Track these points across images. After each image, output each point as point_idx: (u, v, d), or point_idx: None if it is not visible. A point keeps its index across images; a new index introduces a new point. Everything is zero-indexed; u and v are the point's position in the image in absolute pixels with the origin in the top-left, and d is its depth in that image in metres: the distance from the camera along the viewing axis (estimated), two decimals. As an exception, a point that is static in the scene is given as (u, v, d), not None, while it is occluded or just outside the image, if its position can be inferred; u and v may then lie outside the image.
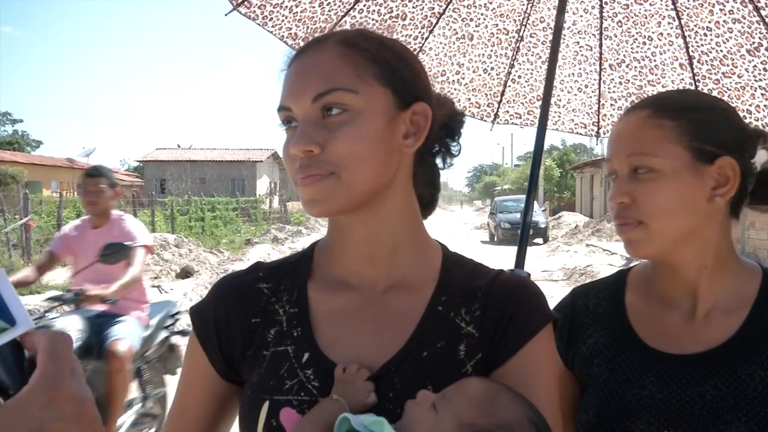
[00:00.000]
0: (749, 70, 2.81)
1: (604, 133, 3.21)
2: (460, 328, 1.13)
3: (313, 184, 1.07)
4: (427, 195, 1.28)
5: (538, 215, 29.41)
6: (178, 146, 65.27)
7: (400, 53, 1.16)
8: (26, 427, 0.72)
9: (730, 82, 2.86)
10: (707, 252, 1.38)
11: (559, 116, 3.21)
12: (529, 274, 2.43)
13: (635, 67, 3.04)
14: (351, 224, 1.16)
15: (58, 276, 14.84)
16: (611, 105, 3.16)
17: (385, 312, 1.15)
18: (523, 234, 2.64)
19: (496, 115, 3.20)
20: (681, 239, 1.35)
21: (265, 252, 20.19)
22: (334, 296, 1.18)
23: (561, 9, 2.60)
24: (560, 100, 3.17)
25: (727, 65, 2.85)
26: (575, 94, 3.17)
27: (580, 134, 3.28)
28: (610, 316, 1.49)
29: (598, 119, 3.20)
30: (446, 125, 1.25)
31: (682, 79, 2.96)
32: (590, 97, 3.16)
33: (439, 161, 1.29)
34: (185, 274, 16.22)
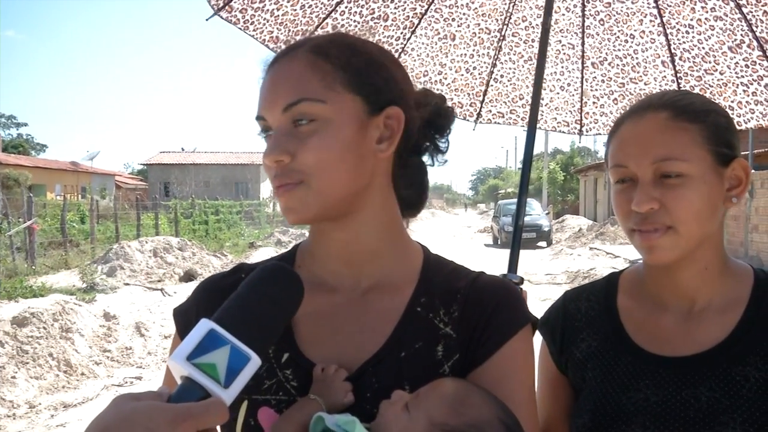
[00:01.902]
0: (731, 67, 2.82)
1: (587, 131, 3.22)
2: (438, 329, 1.14)
3: (286, 193, 1.09)
4: (413, 195, 1.27)
5: (542, 218, 29.44)
6: (182, 149, 65.58)
7: (373, 58, 1.16)
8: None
9: (712, 79, 2.87)
10: (712, 253, 1.39)
11: (542, 115, 3.19)
12: (522, 279, 2.43)
13: (617, 65, 3.05)
14: (330, 228, 1.18)
15: (62, 279, 14.89)
16: (593, 103, 3.16)
17: (365, 313, 1.16)
18: (515, 237, 2.64)
19: (479, 115, 3.20)
20: (701, 242, 1.35)
21: (269, 255, 20.10)
22: (315, 298, 1.18)
23: (548, 10, 2.62)
24: (542, 99, 3.14)
25: (709, 62, 2.86)
26: (558, 93, 3.18)
27: (563, 132, 3.29)
28: (603, 319, 1.49)
29: (581, 117, 3.20)
30: (432, 122, 1.24)
31: (664, 77, 2.98)
32: (572, 95, 3.16)
33: (427, 158, 1.28)
34: (189, 277, 16.24)
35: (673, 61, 2.93)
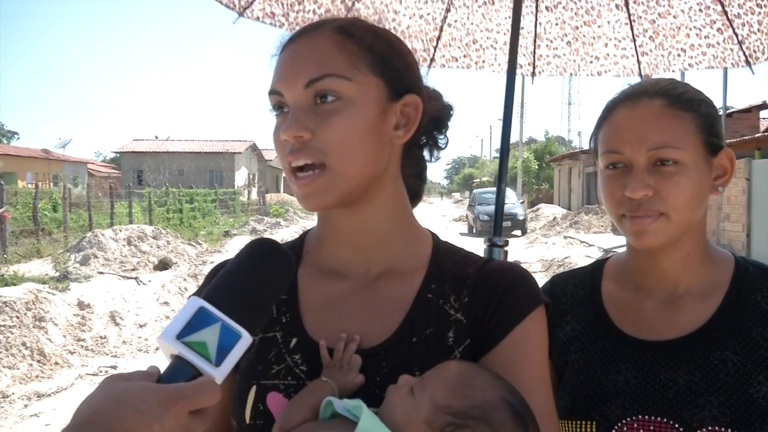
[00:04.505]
0: (685, 11, 2.88)
1: (539, 73, 3.28)
2: (449, 315, 1.13)
3: (310, 183, 1.08)
4: (414, 186, 1.29)
5: (517, 207, 29.56)
6: (156, 137, 64.98)
7: (393, 44, 1.17)
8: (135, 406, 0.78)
9: (666, 23, 2.93)
10: (695, 240, 1.42)
11: (496, 58, 3.23)
12: (506, 242, 2.47)
13: (571, 8, 3.08)
14: (341, 214, 1.17)
15: (34, 268, 14.72)
16: (547, 46, 3.21)
17: (375, 299, 1.16)
18: (498, 200, 2.69)
19: (432, 60, 3.21)
20: (687, 229, 1.38)
21: (244, 244, 20.07)
22: (324, 284, 1.20)
23: None
24: (496, 42, 3.19)
25: (663, 6, 2.92)
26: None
27: (517, 75, 3.34)
28: (587, 303, 1.51)
29: (534, 60, 3.25)
30: (435, 118, 1.25)
31: (618, 20, 3.03)
32: (526, 38, 3.18)
33: (426, 153, 1.30)
34: (163, 265, 16.12)
35: (627, 5, 2.97)
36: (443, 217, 46.65)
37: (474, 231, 30.40)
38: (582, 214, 29.33)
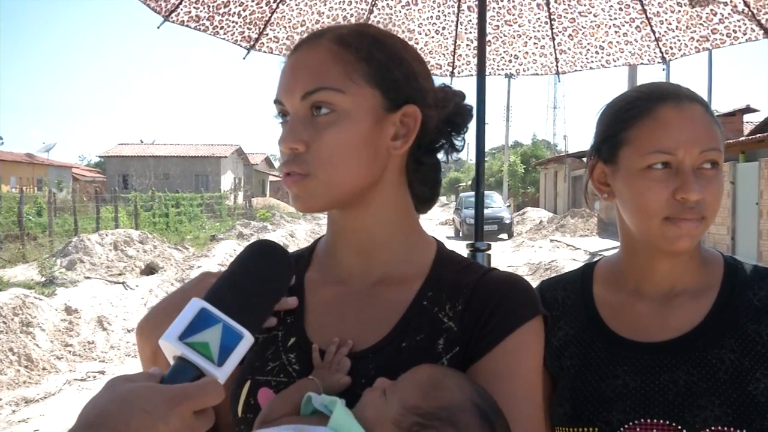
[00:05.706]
0: (605, 9, 2.97)
1: (458, 73, 3.33)
2: (442, 323, 1.14)
3: (295, 183, 1.11)
4: (426, 192, 1.28)
5: (503, 211, 29.66)
6: (141, 141, 64.71)
7: (396, 53, 1.17)
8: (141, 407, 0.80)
9: (586, 21, 3.02)
10: (698, 243, 1.43)
11: None
12: (489, 245, 2.51)
13: (493, 7, 3.13)
14: (342, 219, 1.20)
15: (20, 273, 14.65)
16: (467, 45, 3.25)
17: (372, 303, 1.18)
18: (477, 204, 2.75)
19: None
20: None
21: (231, 248, 20.09)
22: (327, 287, 1.22)
23: None
24: (417, 43, 3.22)
25: (584, 5, 3.00)
26: (432, 37, 3.24)
27: (435, 75, 3.33)
28: (579, 308, 1.50)
29: (453, 60, 3.29)
30: (450, 120, 1.24)
31: (538, 19, 3.09)
32: (446, 38, 3.22)
33: (441, 155, 1.29)
34: (150, 270, 16.07)
35: (548, 4, 3.04)
36: (429, 221, 46.72)
37: (461, 234, 30.35)
38: (568, 217, 29.46)
